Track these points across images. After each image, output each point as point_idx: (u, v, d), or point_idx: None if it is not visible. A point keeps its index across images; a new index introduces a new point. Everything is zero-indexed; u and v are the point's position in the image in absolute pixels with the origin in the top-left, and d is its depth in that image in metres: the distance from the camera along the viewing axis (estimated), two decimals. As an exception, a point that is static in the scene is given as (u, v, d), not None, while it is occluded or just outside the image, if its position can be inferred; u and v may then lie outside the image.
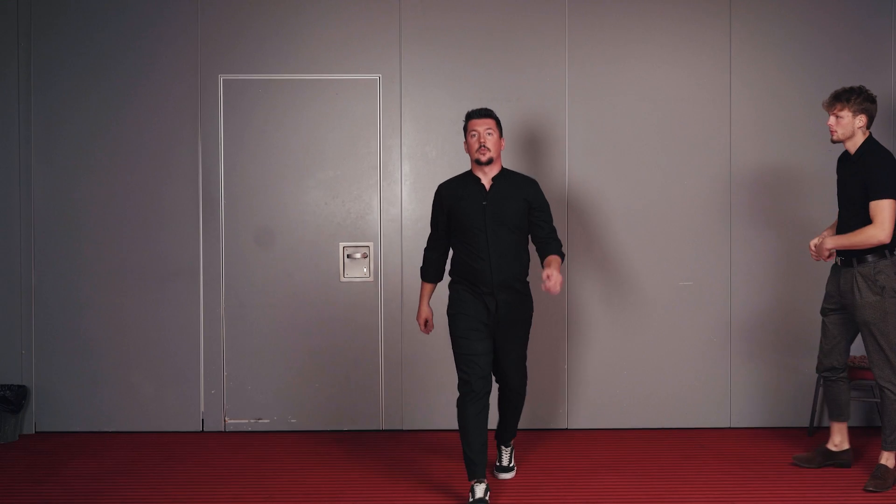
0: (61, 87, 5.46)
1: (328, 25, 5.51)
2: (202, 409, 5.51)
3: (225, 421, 5.51)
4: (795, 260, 5.45)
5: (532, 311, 4.37)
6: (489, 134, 4.20)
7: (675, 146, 5.52)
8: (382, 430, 5.51)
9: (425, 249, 4.44)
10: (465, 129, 4.28)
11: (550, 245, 4.29)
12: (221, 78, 5.49)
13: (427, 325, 4.44)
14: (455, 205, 4.23)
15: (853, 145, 4.51)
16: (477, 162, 4.21)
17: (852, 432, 5.38)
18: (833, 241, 4.48)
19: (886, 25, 5.55)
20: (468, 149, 4.26)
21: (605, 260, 5.51)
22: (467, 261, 4.19)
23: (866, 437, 5.34)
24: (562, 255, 4.25)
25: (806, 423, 5.51)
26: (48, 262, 5.46)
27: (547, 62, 5.51)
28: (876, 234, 4.34)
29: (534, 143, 5.48)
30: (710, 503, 4.22)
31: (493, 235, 4.16)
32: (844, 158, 4.62)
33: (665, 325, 5.53)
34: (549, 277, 4.05)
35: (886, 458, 4.49)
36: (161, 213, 5.48)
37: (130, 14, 5.48)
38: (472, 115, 4.26)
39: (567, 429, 5.54)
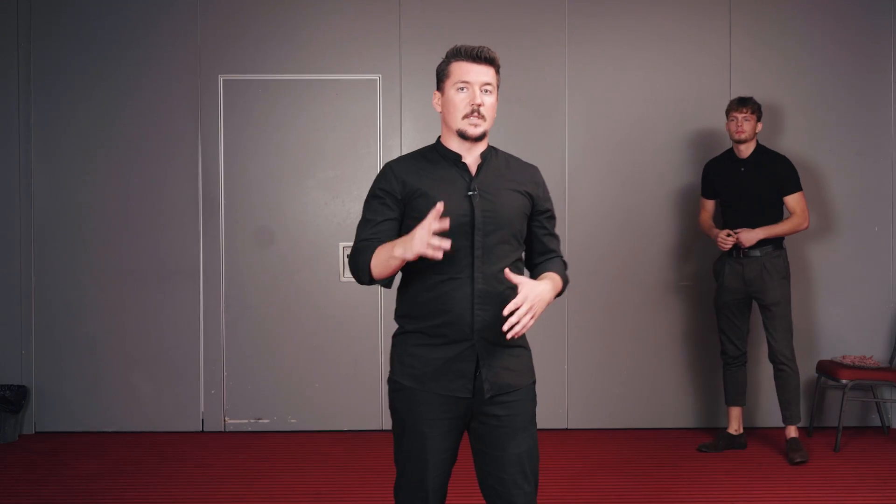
0: (61, 87, 5.46)
1: (328, 25, 5.51)
2: (202, 409, 5.51)
3: (225, 421, 5.51)
4: (793, 260, 5.44)
5: (534, 374, 2.71)
6: (487, 92, 2.57)
7: (675, 146, 5.52)
8: (382, 430, 5.51)
9: (352, 257, 2.60)
10: (445, 73, 2.59)
11: (553, 263, 2.74)
12: (221, 78, 5.49)
13: (432, 236, 2.33)
14: (420, 195, 2.54)
15: (748, 148, 4.99)
16: (461, 135, 2.58)
17: (850, 431, 5.40)
18: (763, 232, 4.89)
19: (886, 25, 5.55)
20: (447, 108, 2.59)
21: (604, 260, 5.51)
22: (434, 289, 2.53)
23: (866, 437, 5.35)
24: (566, 282, 2.75)
25: (805, 423, 5.50)
26: (48, 262, 5.46)
27: (547, 62, 5.51)
28: (802, 222, 4.93)
29: (533, 142, 5.48)
30: (710, 503, 4.22)
31: (482, 246, 2.54)
32: (729, 161, 5.05)
33: (665, 324, 5.53)
34: (521, 308, 2.41)
35: (794, 431, 4.97)
36: (161, 213, 5.48)
37: (130, 14, 5.48)
38: (461, 54, 2.57)
39: (567, 429, 5.54)
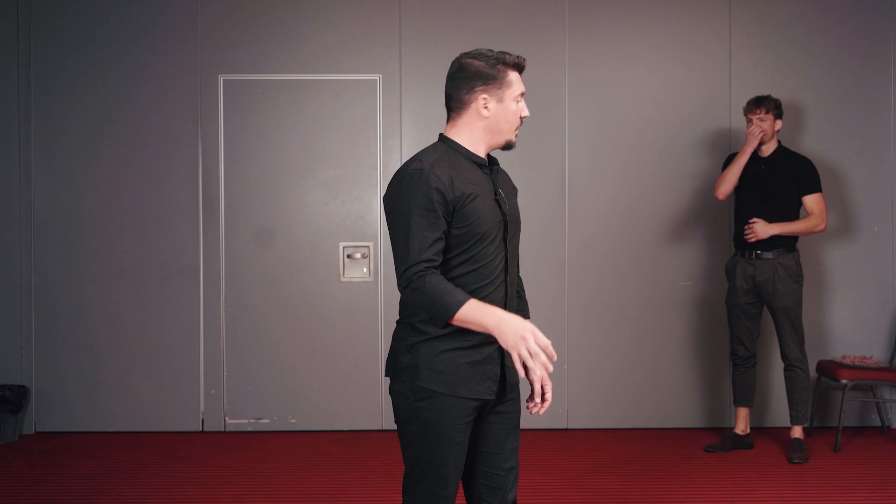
0: (61, 87, 5.46)
1: (328, 25, 5.51)
2: (202, 409, 5.51)
3: (225, 421, 5.51)
4: (795, 260, 5.45)
5: None
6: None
7: (675, 146, 5.52)
8: (382, 430, 5.51)
9: (424, 284, 2.38)
10: (502, 81, 2.51)
11: (522, 297, 2.77)
12: (221, 78, 5.49)
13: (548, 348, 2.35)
14: (468, 201, 2.45)
15: (768, 148, 4.97)
16: (506, 146, 2.59)
17: (850, 431, 5.40)
18: (779, 227, 4.84)
19: (886, 25, 5.55)
20: (503, 117, 2.53)
21: (604, 260, 5.51)
22: (472, 295, 2.44)
23: (866, 437, 5.35)
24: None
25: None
26: (48, 262, 5.46)
27: (547, 62, 5.51)
28: (819, 223, 4.88)
29: (534, 142, 5.48)
30: (710, 503, 4.22)
31: (510, 250, 2.58)
32: (750, 159, 4.95)
33: (665, 325, 5.53)
34: (545, 394, 2.58)
35: (799, 432, 4.97)
36: (161, 213, 5.48)
37: (130, 14, 5.47)
38: (514, 65, 2.53)
39: (567, 429, 5.54)
